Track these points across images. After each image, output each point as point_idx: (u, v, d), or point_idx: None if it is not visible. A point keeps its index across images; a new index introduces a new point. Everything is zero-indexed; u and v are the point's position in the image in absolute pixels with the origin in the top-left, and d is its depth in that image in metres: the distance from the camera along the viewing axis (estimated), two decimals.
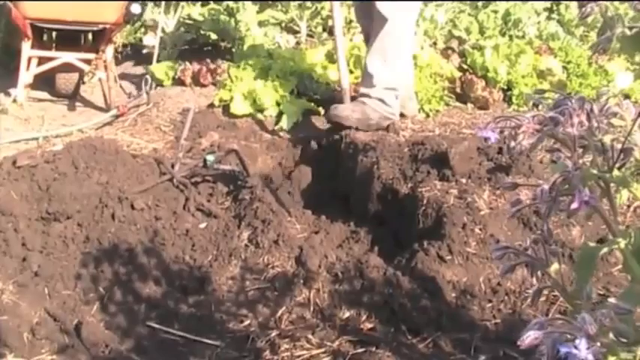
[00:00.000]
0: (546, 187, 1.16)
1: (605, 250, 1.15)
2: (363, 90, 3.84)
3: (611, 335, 0.98)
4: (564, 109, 1.20)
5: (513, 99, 4.41)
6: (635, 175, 1.21)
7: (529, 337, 0.93)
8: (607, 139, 1.21)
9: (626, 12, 1.21)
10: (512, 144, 1.23)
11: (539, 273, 1.26)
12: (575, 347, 0.88)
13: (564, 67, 4.68)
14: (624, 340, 0.99)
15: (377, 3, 3.69)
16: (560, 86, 4.41)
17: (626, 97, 3.99)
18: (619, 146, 1.21)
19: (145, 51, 5.36)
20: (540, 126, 1.22)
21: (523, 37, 5.37)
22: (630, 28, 1.08)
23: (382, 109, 3.70)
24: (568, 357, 0.88)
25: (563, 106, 1.21)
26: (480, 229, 2.71)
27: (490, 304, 2.49)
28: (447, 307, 2.45)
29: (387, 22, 3.68)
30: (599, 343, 0.91)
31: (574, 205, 1.09)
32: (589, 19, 1.19)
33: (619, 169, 1.20)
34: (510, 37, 5.27)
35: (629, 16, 1.14)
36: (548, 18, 5.77)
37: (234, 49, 5.13)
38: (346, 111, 3.75)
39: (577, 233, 2.75)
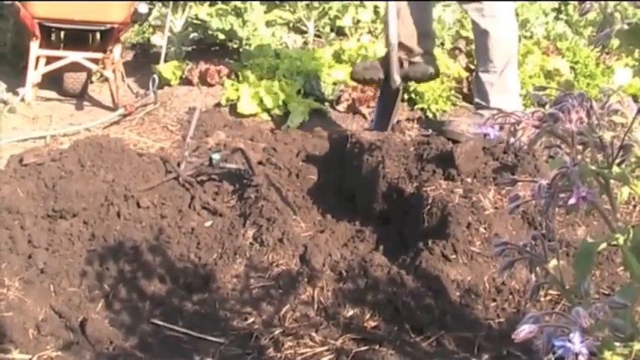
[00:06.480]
0: (545, 182, 1.16)
1: (603, 245, 1.15)
2: (477, 100, 3.77)
3: (607, 330, 0.98)
4: (564, 106, 1.20)
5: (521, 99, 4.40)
6: (635, 171, 1.21)
7: (523, 330, 0.93)
8: (607, 136, 1.21)
9: (626, 10, 1.21)
10: (512, 140, 1.24)
11: (538, 269, 1.27)
12: (570, 341, 0.88)
13: (572, 68, 4.67)
14: (621, 335, 0.99)
15: (476, 19, 3.64)
16: (568, 87, 4.40)
17: (634, 97, 3.98)
18: (619, 143, 1.20)
19: (152, 51, 5.38)
20: (539, 122, 1.22)
21: (531, 37, 5.37)
22: (628, 24, 1.08)
23: None
24: (562, 350, 0.88)
25: (563, 102, 1.21)
26: (485, 229, 2.70)
27: (494, 304, 2.49)
28: (451, 306, 2.45)
29: (488, 34, 3.62)
30: (593, 337, 0.91)
31: (572, 201, 1.09)
32: (589, 16, 1.20)
33: (618, 165, 1.20)
34: (518, 37, 5.26)
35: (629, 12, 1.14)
36: (556, 18, 5.76)
37: (241, 49, 5.15)
38: (461, 126, 3.62)
39: (582, 233, 2.74)
